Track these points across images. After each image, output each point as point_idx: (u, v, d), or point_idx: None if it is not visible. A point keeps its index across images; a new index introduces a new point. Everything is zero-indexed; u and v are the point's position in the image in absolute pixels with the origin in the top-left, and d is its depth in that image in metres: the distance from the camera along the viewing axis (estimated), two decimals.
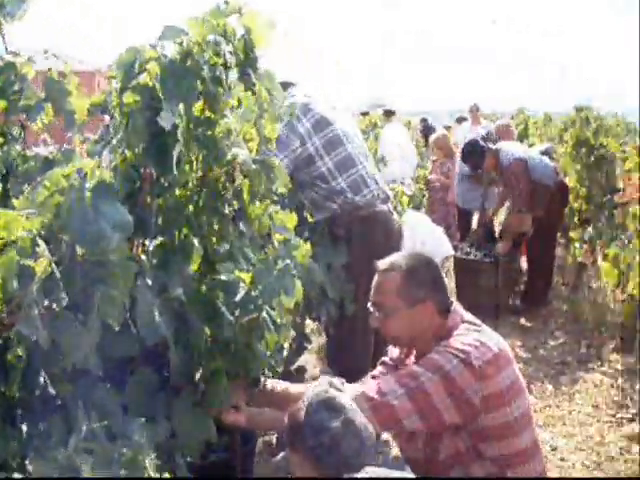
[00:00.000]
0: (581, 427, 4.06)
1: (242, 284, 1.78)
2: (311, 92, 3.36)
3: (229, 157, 1.76)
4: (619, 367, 4.77)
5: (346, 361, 3.29)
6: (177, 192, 1.69)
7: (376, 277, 2.21)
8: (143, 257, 1.69)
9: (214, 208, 1.90)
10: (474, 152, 6.07)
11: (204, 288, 1.80)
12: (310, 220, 3.35)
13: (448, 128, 15.37)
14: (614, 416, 4.17)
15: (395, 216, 3.41)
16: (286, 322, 1.93)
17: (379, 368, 2.38)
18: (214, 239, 1.91)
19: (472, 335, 2.07)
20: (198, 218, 1.83)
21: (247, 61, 1.74)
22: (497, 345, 2.08)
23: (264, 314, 1.80)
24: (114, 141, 1.65)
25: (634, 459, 3.68)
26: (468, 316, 2.22)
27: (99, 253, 1.17)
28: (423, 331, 2.15)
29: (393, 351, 2.41)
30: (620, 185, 4.70)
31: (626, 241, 4.12)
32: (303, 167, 3.17)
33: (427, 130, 17.22)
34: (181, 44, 1.48)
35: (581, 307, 5.96)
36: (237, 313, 1.78)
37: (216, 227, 1.93)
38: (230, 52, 1.58)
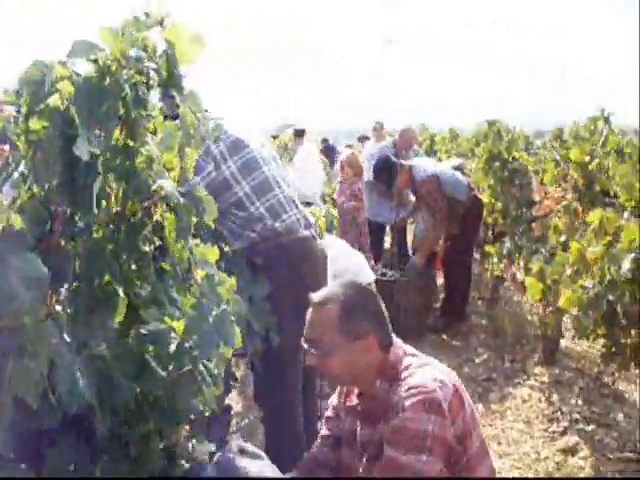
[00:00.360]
0: (516, 445, 4.01)
1: (174, 334, 1.56)
2: (223, 113, 3.16)
3: (153, 189, 1.54)
4: (545, 380, 4.76)
5: (275, 396, 3.09)
6: (96, 232, 1.46)
7: (310, 311, 2.04)
8: (59, 308, 1.45)
9: (135, 247, 1.67)
10: (386, 168, 6.00)
11: (131, 341, 1.57)
12: (227, 250, 3.14)
13: (350, 147, 15.44)
14: (547, 430, 4.13)
15: (319, 242, 3.23)
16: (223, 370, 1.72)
17: (325, 428, 2.22)
18: (137, 282, 1.68)
19: (426, 372, 1.92)
20: (118, 260, 1.60)
21: (170, 80, 1.53)
22: (448, 376, 1.95)
23: (200, 367, 1.58)
24: (16, 174, 1.41)
25: (571, 472, 3.65)
26: (407, 347, 2.08)
27: (10, 317, 0.94)
28: (366, 368, 1.99)
29: (335, 397, 2.24)
30: (536, 198, 4.72)
31: (548, 254, 4.10)
32: (219, 193, 2.95)
33: (328, 150, 17.30)
34: (96, 61, 1.26)
35: (501, 321, 5.97)
36: (170, 367, 1.56)
37: (136, 268, 1.70)
38: (155, 70, 1.37)
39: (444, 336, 5.98)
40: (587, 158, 3.82)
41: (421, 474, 1.79)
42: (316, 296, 2.04)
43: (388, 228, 7.66)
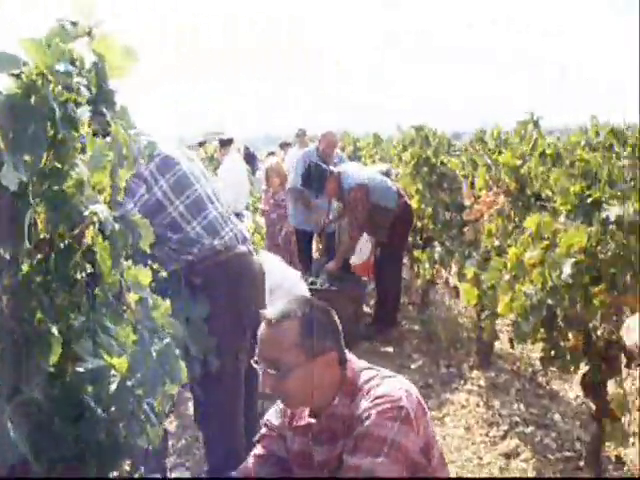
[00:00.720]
0: (458, 452, 3.98)
1: (114, 372, 1.43)
2: (148, 130, 3.01)
3: (85, 215, 1.41)
4: (482, 383, 4.77)
5: (216, 422, 2.96)
6: (25, 267, 1.31)
7: (265, 330, 1.92)
8: None
9: (66, 276, 1.53)
10: (315, 175, 5.90)
11: (67, 381, 1.43)
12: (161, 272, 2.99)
13: (273, 154, 15.30)
14: (487, 435, 4.13)
15: (256, 257, 3.12)
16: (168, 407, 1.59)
17: (259, 447, 2.11)
18: (71, 315, 1.54)
19: (392, 382, 1.90)
20: (49, 292, 1.46)
21: (100, 96, 1.40)
22: (411, 386, 1.94)
23: (144, 405, 1.46)
24: None
25: (514, 475, 3.66)
26: (360, 361, 2.04)
27: None
28: (325, 385, 1.93)
29: (273, 417, 2.13)
30: (466, 202, 4.72)
31: (481, 259, 4.10)
32: (153, 215, 2.80)
33: (249, 158, 17.13)
34: (19, 76, 1.12)
35: (434, 326, 5.97)
36: (111, 408, 1.42)
37: (69, 299, 1.56)
38: (85, 85, 1.24)
39: (377, 343, 5.93)
40: (519, 162, 3.84)
41: (371, 474, 1.75)
42: (270, 313, 1.92)
43: (316, 236, 7.60)
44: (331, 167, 5.99)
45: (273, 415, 2.14)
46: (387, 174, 6.21)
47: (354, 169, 6.12)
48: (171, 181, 2.82)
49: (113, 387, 1.43)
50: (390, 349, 5.83)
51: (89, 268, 1.63)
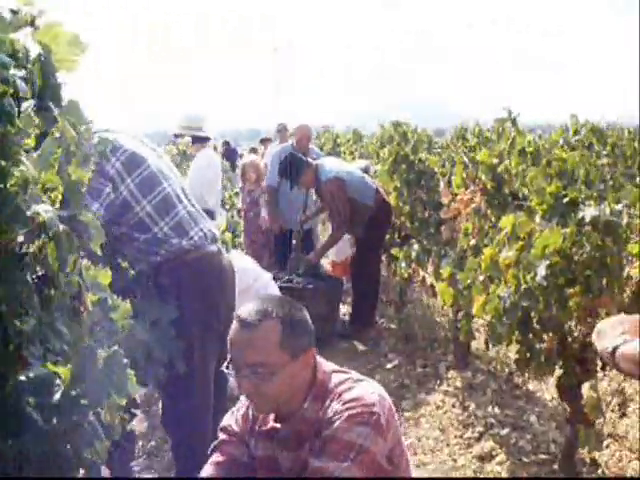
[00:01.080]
0: (432, 454, 3.94)
1: (59, 381, 1.35)
2: (114, 126, 2.92)
3: (29, 215, 1.33)
4: (458, 384, 4.72)
5: (184, 427, 2.89)
6: None
7: (241, 332, 1.81)
8: None
9: (13, 281, 1.45)
10: (293, 165, 5.80)
11: (8, 391, 1.35)
12: (128, 270, 2.90)
13: (253, 150, 15.18)
14: (462, 437, 4.08)
15: (226, 257, 3.04)
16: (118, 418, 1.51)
17: (218, 454, 2.03)
18: (18, 320, 1.45)
19: (365, 386, 1.86)
20: None
21: (46, 90, 1.32)
22: (382, 391, 1.89)
23: (90, 417, 1.38)
24: None
25: (489, 478, 3.62)
26: (330, 363, 1.98)
27: None
28: (300, 387, 1.86)
29: (232, 422, 2.05)
30: (444, 200, 4.66)
31: (457, 258, 4.04)
32: (120, 215, 2.72)
33: (229, 153, 17.01)
34: None
35: (410, 325, 5.92)
36: (54, 420, 1.34)
37: (18, 302, 1.48)
38: (22, 78, 1.16)
39: (353, 342, 5.87)
40: (495, 160, 3.78)
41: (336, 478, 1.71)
42: (246, 314, 1.81)
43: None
44: (309, 159, 5.92)
45: (231, 420, 2.06)
46: (366, 170, 6.14)
47: (333, 163, 6.05)
48: (137, 180, 2.73)
49: (56, 397, 1.35)
50: (366, 348, 5.77)
51: (40, 270, 1.56)
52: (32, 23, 1.31)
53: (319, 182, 5.74)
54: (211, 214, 5.39)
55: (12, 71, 1.20)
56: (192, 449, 2.86)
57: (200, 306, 2.82)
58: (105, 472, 1.87)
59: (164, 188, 2.81)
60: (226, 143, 18.32)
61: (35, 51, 1.34)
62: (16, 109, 1.28)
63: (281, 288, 5.02)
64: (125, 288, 2.78)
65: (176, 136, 6.50)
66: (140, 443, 4.08)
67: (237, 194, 9.54)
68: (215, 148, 12.40)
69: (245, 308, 1.85)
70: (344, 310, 6.60)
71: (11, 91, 1.21)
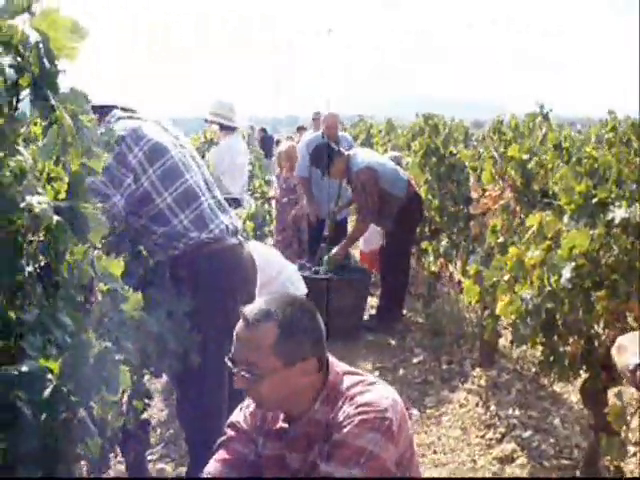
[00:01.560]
0: (452, 454, 3.87)
1: (51, 376, 1.32)
2: (139, 114, 2.87)
3: (22, 207, 1.30)
4: (483, 383, 4.63)
5: (198, 421, 2.86)
6: None
7: (242, 329, 1.78)
8: None
9: (12, 271, 1.42)
10: (323, 155, 5.74)
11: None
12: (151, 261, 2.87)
13: (290, 138, 15.14)
14: (483, 437, 4.00)
15: (247, 249, 2.99)
16: (113, 414, 1.48)
17: (223, 451, 1.99)
18: (19, 311, 1.43)
19: (378, 390, 1.80)
20: None
21: (43, 78, 1.28)
22: (395, 394, 1.83)
23: (82, 412, 1.35)
24: None
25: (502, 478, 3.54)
26: (343, 365, 1.92)
27: None
28: (302, 392, 1.81)
29: (241, 419, 2.02)
30: (473, 195, 4.56)
31: (484, 255, 3.95)
32: (139, 207, 2.69)
33: (266, 141, 16.99)
34: None
35: (438, 320, 5.83)
36: (44, 416, 1.31)
37: (20, 293, 1.46)
38: (12, 66, 1.12)
39: (379, 335, 5.80)
40: (525, 156, 3.67)
41: None
42: (249, 312, 1.78)
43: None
44: (341, 149, 5.86)
45: (240, 417, 2.03)
46: (397, 162, 6.05)
47: (365, 153, 5.98)
48: (159, 172, 2.69)
49: (47, 392, 1.32)
50: (392, 342, 5.70)
51: (43, 260, 1.54)
52: (28, 9, 1.27)
53: (350, 172, 5.68)
54: (237, 202, 5.35)
55: (6, 58, 1.16)
56: (205, 443, 2.83)
57: (217, 298, 2.78)
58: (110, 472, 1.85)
59: (186, 180, 2.77)
60: (263, 130, 18.30)
61: (32, 38, 1.31)
62: (10, 98, 1.25)
63: (307, 279, 4.94)
64: (143, 277, 2.76)
65: (206, 121, 6.46)
66: (158, 431, 4.08)
67: (268, 182, 9.50)
68: (248, 135, 12.35)
69: (252, 305, 1.82)
70: (372, 302, 6.53)
71: (2, 79, 1.17)
